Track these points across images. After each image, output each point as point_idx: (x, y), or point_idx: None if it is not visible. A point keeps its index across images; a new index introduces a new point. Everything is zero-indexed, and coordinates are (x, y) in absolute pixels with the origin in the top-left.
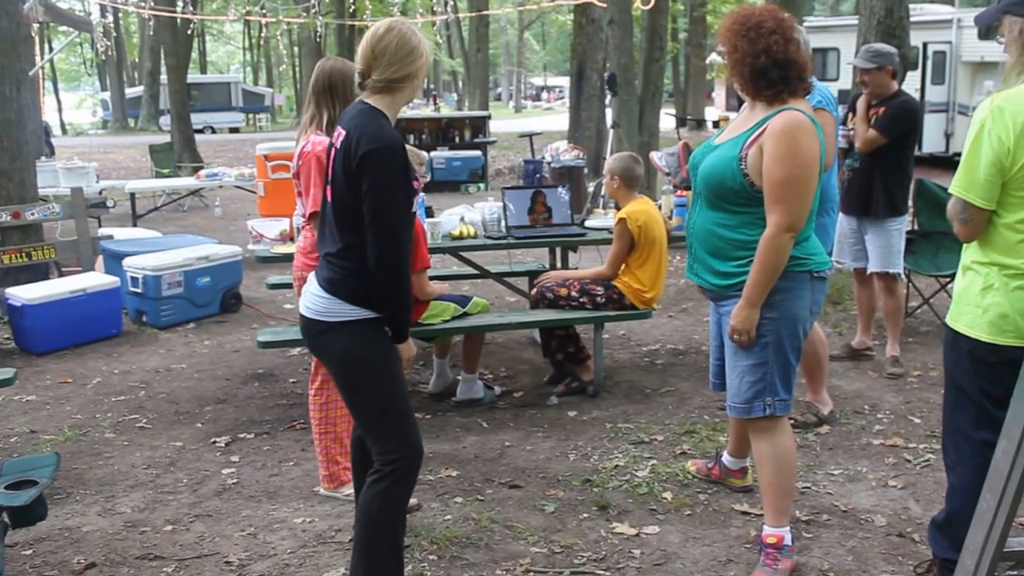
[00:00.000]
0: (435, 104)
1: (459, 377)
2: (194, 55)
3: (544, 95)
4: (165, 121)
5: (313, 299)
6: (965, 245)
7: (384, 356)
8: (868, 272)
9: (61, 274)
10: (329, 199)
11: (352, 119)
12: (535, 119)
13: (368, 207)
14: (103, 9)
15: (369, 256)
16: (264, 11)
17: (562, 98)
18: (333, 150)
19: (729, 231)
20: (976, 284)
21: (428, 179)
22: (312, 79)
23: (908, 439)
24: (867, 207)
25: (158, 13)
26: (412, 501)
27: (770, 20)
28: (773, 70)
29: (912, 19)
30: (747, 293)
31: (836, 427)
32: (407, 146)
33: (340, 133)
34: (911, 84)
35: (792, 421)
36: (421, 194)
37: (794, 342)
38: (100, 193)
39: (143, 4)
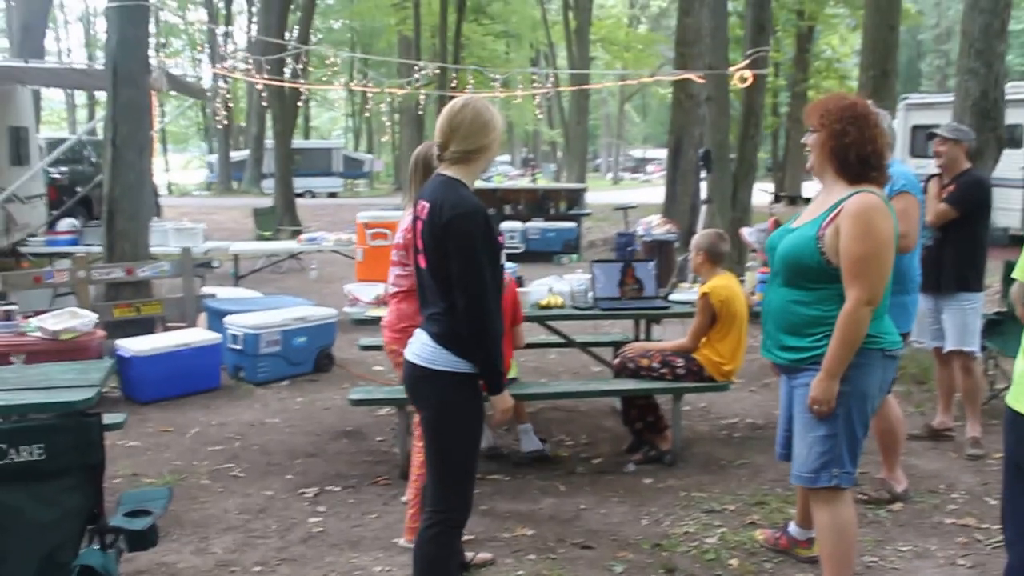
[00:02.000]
0: (532, 175)
1: (519, 430)
2: (299, 120)
3: (649, 167)
4: (267, 184)
5: (422, 346)
6: None
7: (474, 414)
8: (945, 351)
9: (166, 328)
10: (424, 266)
11: (434, 191)
12: (632, 191)
13: (455, 268)
14: (216, 77)
15: (458, 312)
16: (368, 82)
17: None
18: (419, 222)
19: (805, 307)
20: None
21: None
22: (411, 163)
23: (981, 519)
24: (939, 283)
25: (270, 82)
26: (487, 556)
27: (872, 113)
28: (874, 157)
29: (1014, 96)
30: (827, 365)
31: (909, 505)
32: None
33: (424, 205)
34: (1015, 162)
35: (865, 497)
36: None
37: (863, 417)
38: (206, 253)
39: (253, 73)
